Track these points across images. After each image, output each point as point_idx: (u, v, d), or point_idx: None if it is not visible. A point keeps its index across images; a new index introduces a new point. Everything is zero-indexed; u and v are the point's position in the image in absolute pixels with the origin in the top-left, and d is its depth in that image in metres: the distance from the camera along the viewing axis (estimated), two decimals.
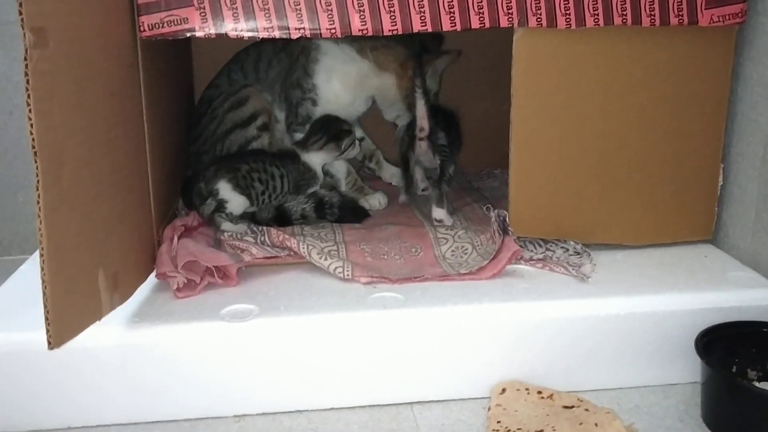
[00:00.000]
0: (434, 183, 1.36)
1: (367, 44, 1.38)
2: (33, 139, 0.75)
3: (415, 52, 1.37)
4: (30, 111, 0.75)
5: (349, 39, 1.35)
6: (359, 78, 1.41)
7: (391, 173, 1.60)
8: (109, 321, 0.96)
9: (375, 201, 1.45)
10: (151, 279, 1.11)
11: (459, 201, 1.46)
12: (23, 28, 0.73)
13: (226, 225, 1.29)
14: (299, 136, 1.42)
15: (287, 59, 1.44)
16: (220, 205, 1.29)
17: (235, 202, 1.30)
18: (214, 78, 1.53)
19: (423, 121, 1.35)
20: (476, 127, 1.67)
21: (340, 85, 1.40)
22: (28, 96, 0.74)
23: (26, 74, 0.74)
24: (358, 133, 1.51)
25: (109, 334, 0.97)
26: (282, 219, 1.33)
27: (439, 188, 1.36)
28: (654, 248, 1.24)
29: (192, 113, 1.54)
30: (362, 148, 1.52)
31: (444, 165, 1.38)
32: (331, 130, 1.37)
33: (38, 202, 0.77)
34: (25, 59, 0.74)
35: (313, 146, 1.37)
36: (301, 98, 1.42)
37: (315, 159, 1.37)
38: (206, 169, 1.33)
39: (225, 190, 1.29)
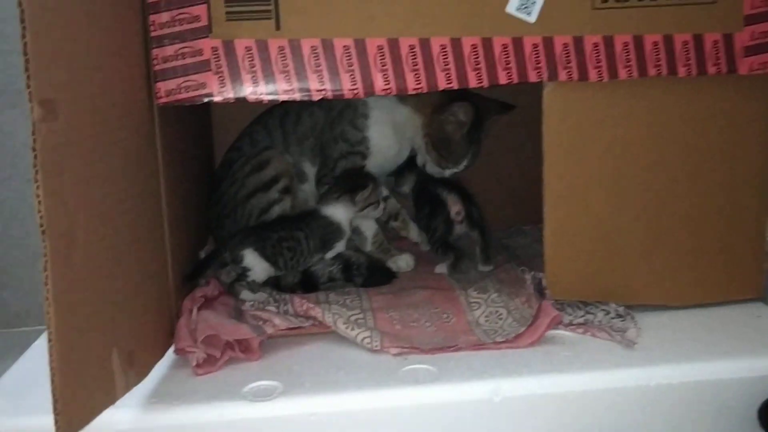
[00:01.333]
0: (482, 247, 1.38)
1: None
2: (41, 217, 0.71)
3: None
4: (38, 188, 0.70)
5: None
6: (402, 125, 1.40)
7: (417, 232, 1.54)
8: (124, 403, 0.89)
9: (403, 262, 1.39)
10: (169, 354, 1.05)
11: None
12: (30, 101, 0.69)
13: (245, 294, 1.24)
14: None
15: (322, 113, 1.42)
16: (243, 273, 1.25)
17: (259, 269, 1.25)
18: (236, 140, 1.49)
19: (456, 205, 1.36)
20: (504, 183, 1.63)
21: (390, 136, 1.40)
22: (36, 172, 0.70)
23: (33, 149, 0.70)
24: (384, 191, 1.47)
25: (124, 417, 0.90)
26: (308, 283, 1.28)
27: (487, 249, 1.38)
28: (701, 309, 1.16)
29: (212, 176, 1.51)
30: (386, 207, 1.48)
31: (483, 233, 1.40)
32: (348, 184, 1.33)
33: (46, 284, 0.72)
34: (33, 134, 0.70)
35: (331, 197, 1.33)
36: (347, 152, 1.39)
37: (335, 211, 1.33)
38: (231, 237, 1.30)
39: (250, 257, 1.25)
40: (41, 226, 0.71)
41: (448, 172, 1.42)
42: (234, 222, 1.40)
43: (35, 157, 0.70)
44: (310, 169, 1.45)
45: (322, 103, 1.40)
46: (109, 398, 0.86)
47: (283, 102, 1.45)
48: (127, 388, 0.90)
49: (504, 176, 1.63)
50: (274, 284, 1.27)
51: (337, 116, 1.40)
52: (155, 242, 1.05)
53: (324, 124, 1.41)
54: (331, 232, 1.32)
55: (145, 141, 1.00)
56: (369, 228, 1.43)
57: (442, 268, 1.37)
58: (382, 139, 1.40)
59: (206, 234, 1.46)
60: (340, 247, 1.34)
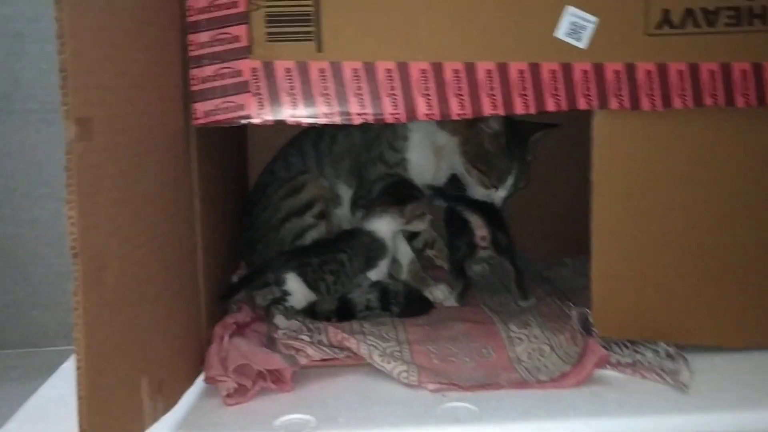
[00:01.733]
0: (516, 280, 1.33)
1: None
2: (74, 240, 0.68)
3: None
4: (71, 209, 0.68)
5: None
6: (440, 147, 1.38)
7: None
8: None
9: (439, 293, 1.34)
10: (199, 382, 1.02)
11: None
12: (67, 119, 0.67)
13: (279, 320, 1.20)
14: None
15: (359, 134, 1.40)
16: (282, 297, 1.22)
17: (300, 295, 1.23)
18: (270, 163, 1.47)
19: (481, 230, 1.31)
20: (543, 213, 1.58)
21: (429, 158, 1.38)
22: (70, 192, 0.68)
23: (68, 169, 0.67)
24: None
25: None
26: (345, 311, 1.24)
27: (522, 282, 1.33)
28: (759, 352, 1.09)
29: (245, 200, 1.49)
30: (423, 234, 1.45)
31: (513, 261, 1.34)
32: (398, 195, 1.30)
33: (76, 308, 0.69)
34: (68, 153, 0.67)
35: (377, 210, 1.30)
36: (385, 173, 1.37)
37: (380, 226, 1.29)
38: (277, 257, 1.27)
39: (293, 281, 1.23)
40: (73, 249, 0.68)
41: (497, 196, 1.37)
42: (267, 247, 1.37)
43: (69, 177, 0.68)
44: (346, 192, 1.42)
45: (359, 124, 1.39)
46: (137, 427, 0.83)
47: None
48: (156, 417, 0.87)
49: (543, 206, 1.58)
50: (309, 311, 1.23)
51: (375, 138, 1.37)
52: (188, 266, 1.02)
53: (361, 146, 1.39)
54: (374, 249, 1.29)
55: (181, 163, 0.98)
56: (404, 255, 1.39)
57: (450, 301, 1.32)
58: (421, 161, 1.37)
59: (238, 259, 1.43)
60: (383, 266, 1.30)
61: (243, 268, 1.41)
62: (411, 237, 1.41)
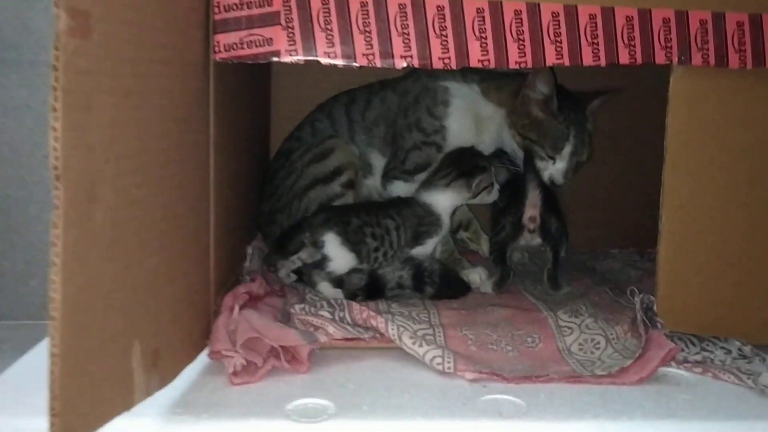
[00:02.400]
0: (549, 271, 1.20)
1: (492, 86, 1.24)
2: (56, 158, 0.55)
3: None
4: (56, 119, 0.55)
5: (477, 79, 1.24)
6: (484, 120, 1.25)
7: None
8: (142, 411, 0.73)
9: (476, 276, 1.20)
10: (202, 358, 0.89)
11: (577, 283, 1.20)
12: (57, 7, 0.54)
13: (323, 286, 1.09)
14: (400, 185, 1.23)
15: (395, 98, 1.27)
16: (322, 261, 1.09)
17: (342, 260, 1.10)
18: (295, 129, 1.35)
19: (533, 209, 1.17)
20: (588, 201, 1.44)
21: (470, 128, 1.25)
22: (55, 99, 0.55)
23: (55, 68, 0.54)
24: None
25: (141, 428, 0.73)
26: (374, 287, 1.11)
27: (555, 275, 1.19)
28: None
29: (266, 167, 1.36)
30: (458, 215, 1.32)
31: (557, 251, 1.21)
32: (464, 165, 1.17)
33: (54, 244, 0.56)
34: (56, 48, 0.54)
35: (439, 182, 1.16)
36: (421, 142, 1.24)
37: (440, 199, 1.17)
38: (313, 215, 1.15)
39: (332, 244, 1.10)
40: (55, 168, 0.55)
41: (555, 170, 1.21)
42: (288, 217, 1.25)
43: (56, 79, 0.55)
44: (379, 161, 1.29)
45: (396, 87, 1.27)
46: (124, 403, 0.70)
47: (350, 90, 1.33)
48: (148, 392, 0.74)
49: (587, 193, 1.43)
50: (337, 284, 1.10)
51: (414, 102, 1.24)
52: (197, 223, 0.89)
53: (398, 111, 1.26)
54: (428, 224, 1.16)
55: (196, 100, 0.85)
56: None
57: (486, 287, 1.18)
58: (461, 130, 1.24)
59: (254, 231, 1.30)
60: (430, 246, 1.17)
61: (259, 240, 1.28)
62: None
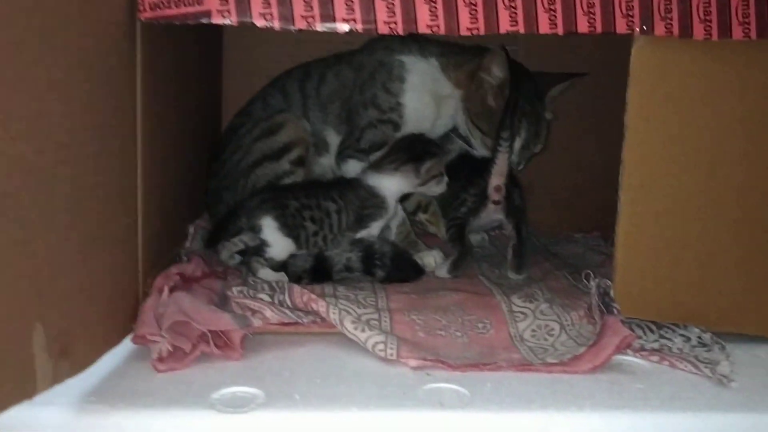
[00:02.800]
0: (515, 248, 1.15)
1: (451, 62, 1.19)
2: None
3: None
4: None
5: (437, 53, 1.18)
6: (442, 98, 1.20)
7: None
8: (50, 400, 0.67)
9: (430, 259, 1.14)
10: (128, 343, 0.82)
11: (536, 267, 1.15)
12: None
13: (264, 272, 1.03)
14: (354, 163, 1.18)
15: (351, 73, 1.21)
16: (261, 246, 1.04)
17: (280, 246, 1.05)
18: (247, 104, 1.28)
19: (499, 178, 1.12)
20: (549, 184, 1.39)
21: (428, 105, 1.19)
22: None
23: None
24: None
25: (47, 419, 0.68)
26: (320, 270, 1.05)
27: (521, 252, 1.14)
28: None
29: (216, 143, 1.29)
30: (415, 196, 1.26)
31: (519, 228, 1.16)
32: (415, 151, 1.11)
33: None
34: None
35: (388, 166, 1.11)
36: (377, 120, 1.18)
37: (387, 183, 1.11)
38: (249, 198, 1.09)
39: (269, 229, 1.04)
40: None
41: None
42: (234, 195, 1.18)
43: None
44: (335, 139, 1.23)
45: (352, 61, 1.21)
46: (24, 391, 0.63)
47: (305, 64, 1.26)
48: (56, 380, 0.67)
49: (550, 176, 1.38)
50: (279, 268, 1.04)
51: (368, 77, 1.18)
52: (121, 197, 0.82)
53: (353, 86, 1.19)
54: (371, 206, 1.11)
55: (118, 62, 0.78)
56: (394, 216, 1.20)
57: (442, 270, 1.12)
58: (418, 107, 1.18)
59: (199, 209, 1.23)
60: (375, 229, 1.12)
61: (205, 219, 1.21)
62: (402, 198, 1.22)
